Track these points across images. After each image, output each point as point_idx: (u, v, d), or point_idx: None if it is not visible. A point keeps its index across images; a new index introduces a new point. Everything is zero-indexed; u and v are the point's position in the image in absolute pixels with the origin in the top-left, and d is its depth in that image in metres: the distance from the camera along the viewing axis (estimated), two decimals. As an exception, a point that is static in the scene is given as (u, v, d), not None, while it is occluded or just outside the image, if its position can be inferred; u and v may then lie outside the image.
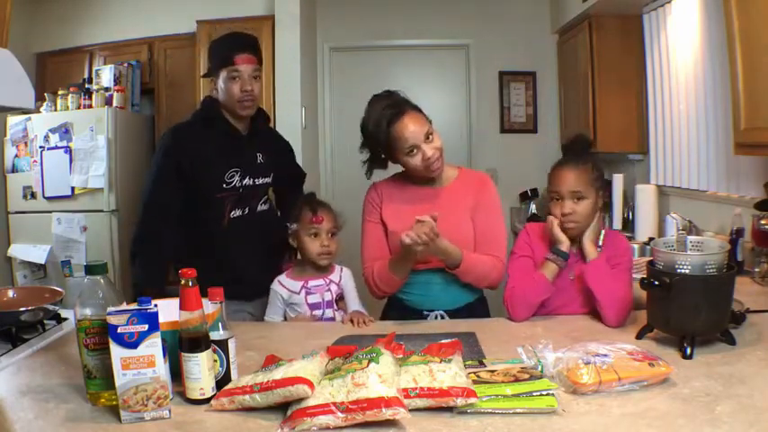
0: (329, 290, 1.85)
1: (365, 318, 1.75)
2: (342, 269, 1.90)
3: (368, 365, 1.11)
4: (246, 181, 2.01)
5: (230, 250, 1.97)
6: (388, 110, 1.69)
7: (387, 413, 1.02)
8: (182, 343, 1.17)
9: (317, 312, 1.83)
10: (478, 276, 1.75)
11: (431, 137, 1.71)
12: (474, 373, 1.20)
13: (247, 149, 2.04)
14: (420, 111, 1.75)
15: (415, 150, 1.70)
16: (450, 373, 1.13)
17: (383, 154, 1.77)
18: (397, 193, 1.83)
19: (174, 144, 1.95)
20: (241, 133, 2.03)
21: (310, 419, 1.04)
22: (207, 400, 1.17)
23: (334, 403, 1.05)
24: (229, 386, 1.17)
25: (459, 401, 1.08)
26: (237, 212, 1.99)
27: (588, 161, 1.71)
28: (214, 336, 1.21)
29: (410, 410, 1.05)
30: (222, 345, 1.22)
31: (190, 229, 1.97)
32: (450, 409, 1.09)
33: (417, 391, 1.10)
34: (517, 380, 1.15)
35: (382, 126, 1.68)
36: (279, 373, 1.12)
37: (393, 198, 1.83)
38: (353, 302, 1.86)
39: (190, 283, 1.19)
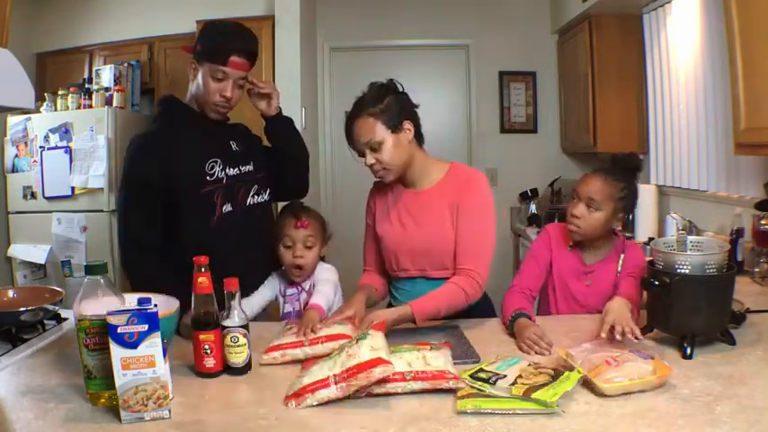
0: (298, 299, 1.84)
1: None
2: (320, 266, 1.84)
3: (360, 342, 1.21)
4: (229, 170, 1.87)
5: (224, 247, 1.80)
6: (350, 110, 1.67)
7: (376, 372, 1.10)
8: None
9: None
10: (448, 311, 1.61)
11: (379, 147, 1.61)
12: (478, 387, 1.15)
13: (219, 139, 1.91)
14: (379, 115, 1.61)
15: (360, 155, 1.68)
16: (442, 360, 1.22)
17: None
18: (385, 195, 1.82)
19: (139, 158, 1.80)
20: (210, 124, 1.89)
21: (312, 395, 1.13)
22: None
23: (331, 377, 1.14)
24: (276, 342, 1.41)
25: (452, 384, 1.15)
26: (228, 207, 1.86)
27: (623, 180, 1.70)
28: (239, 322, 1.33)
29: (406, 393, 1.14)
30: (247, 329, 1.34)
31: (180, 232, 1.81)
32: (450, 409, 1.10)
33: (412, 374, 1.16)
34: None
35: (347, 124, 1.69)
36: (324, 332, 1.40)
37: (382, 199, 1.82)
38: (321, 297, 1.68)
39: (203, 269, 1.31)
